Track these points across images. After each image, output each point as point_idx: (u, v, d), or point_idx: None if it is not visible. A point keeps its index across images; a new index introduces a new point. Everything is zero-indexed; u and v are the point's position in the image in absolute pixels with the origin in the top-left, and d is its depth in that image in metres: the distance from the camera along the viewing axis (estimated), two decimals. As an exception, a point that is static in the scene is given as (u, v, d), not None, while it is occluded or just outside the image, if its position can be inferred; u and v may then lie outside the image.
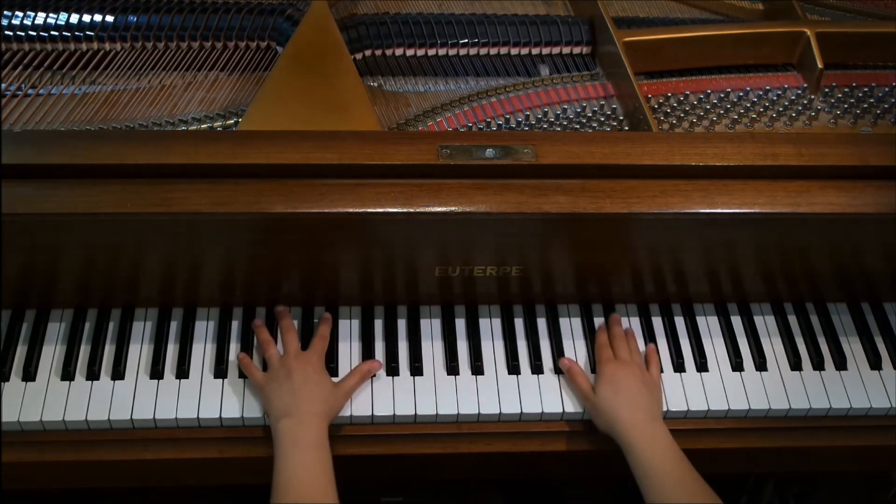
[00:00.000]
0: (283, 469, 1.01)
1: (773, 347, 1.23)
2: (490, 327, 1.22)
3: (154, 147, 1.05)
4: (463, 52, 1.36)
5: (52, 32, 1.29)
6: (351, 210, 1.04)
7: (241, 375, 1.15)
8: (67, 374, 1.13)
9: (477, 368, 1.18)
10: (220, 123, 1.23)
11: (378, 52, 1.34)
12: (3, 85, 1.24)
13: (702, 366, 1.20)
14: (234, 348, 1.17)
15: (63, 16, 1.30)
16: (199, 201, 1.02)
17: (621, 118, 1.30)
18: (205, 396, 1.13)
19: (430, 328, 1.21)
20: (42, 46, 1.29)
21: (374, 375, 1.16)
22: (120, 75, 1.28)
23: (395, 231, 1.09)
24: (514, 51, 1.37)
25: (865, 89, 1.37)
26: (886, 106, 1.34)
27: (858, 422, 1.19)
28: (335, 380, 1.13)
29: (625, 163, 1.09)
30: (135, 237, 1.07)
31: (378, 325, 1.21)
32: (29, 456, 1.09)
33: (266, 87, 1.22)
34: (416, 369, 1.17)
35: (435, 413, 1.13)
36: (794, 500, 1.70)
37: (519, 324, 1.22)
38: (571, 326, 1.23)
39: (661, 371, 1.20)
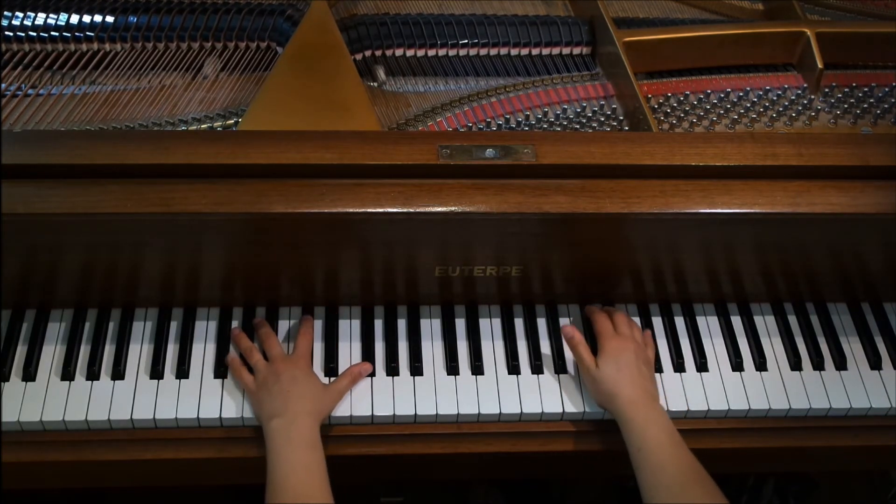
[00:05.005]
0: (277, 469, 1.01)
1: (773, 347, 1.23)
2: (490, 327, 1.22)
3: (154, 147, 1.05)
4: (463, 52, 1.36)
5: (52, 33, 1.29)
6: (351, 210, 1.04)
7: (241, 375, 1.15)
8: (67, 374, 1.13)
9: (477, 368, 1.18)
10: (220, 123, 1.23)
11: (378, 53, 1.34)
12: (3, 85, 1.24)
13: (702, 366, 1.20)
14: (234, 348, 1.17)
15: (63, 16, 1.30)
16: (199, 201, 1.02)
17: (621, 118, 1.30)
18: (205, 396, 1.13)
19: (430, 328, 1.21)
20: (42, 46, 1.29)
21: (374, 375, 1.16)
22: (120, 75, 1.28)
23: (395, 231, 1.09)
24: (514, 51, 1.37)
25: (865, 89, 1.37)
26: (886, 106, 1.34)
27: (858, 422, 1.19)
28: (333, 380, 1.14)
29: (624, 163, 1.09)
30: (135, 237, 1.07)
31: (378, 325, 1.21)
32: (29, 456, 1.09)
33: (266, 87, 1.22)
34: (416, 369, 1.17)
35: (435, 413, 1.13)
36: (794, 499, 1.71)
37: (519, 324, 1.22)
38: (571, 326, 1.23)
39: (658, 357, 1.21)
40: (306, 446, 1.03)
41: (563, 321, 1.23)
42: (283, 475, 1.00)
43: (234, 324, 1.20)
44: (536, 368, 1.18)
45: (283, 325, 1.20)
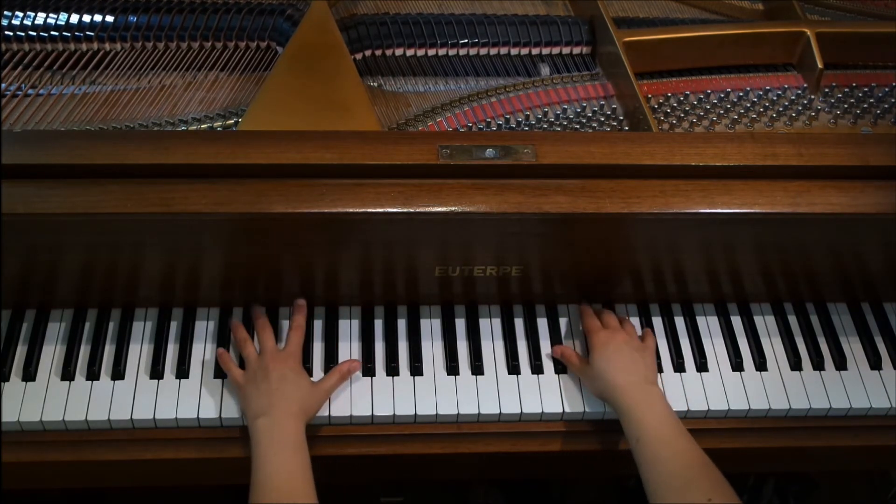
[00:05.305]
0: (261, 469, 1.01)
1: (773, 347, 1.23)
2: (490, 327, 1.22)
3: (154, 147, 1.05)
4: (463, 52, 1.36)
5: (52, 32, 1.29)
6: (351, 210, 1.04)
7: (241, 375, 1.15)
8: (67, 374, 1.13)
9: (477, 368, 1.18)
10: (220, 123, 1.23)
11: (378, 53, 1.34)
12: (3, 85, 1.24)
13: (702, 366, 1.20)
14: (234, 348, 1.17)
15: (63, 16, 1.30)
16: (199, 201, 1.02)
17: (621, 118, 1.30)
18: (205, 396, 1.13)
19: (430, 328, 1.21)
20: (42, 46, 1.29)
21: (374, 375, 1.16)
22: (120, 75, 1.28)
23: (395, 231, 1.09)
24: (514, 51, 1.37)
25: (865, 89, 1.37)
26: (886, 106, 1.34)
27: (858, 422, 1.19)
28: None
29: (624, 163, 1.09)
30: (135, 237, 1.07)
31: (378, 325, 1.21)
32: (29, 456, 1.09)
33: (266, 87, 1.22)
34: (416, 369, 1.17)
35: (435, 413, 1.13)
36: (794, 499, 1.71)
37: (519, 324, 1.22)
38: (571, 326, 1.23)
39: (658, 357, 1.20)
40: (291, 448, 1.03)
41: (563, 321, 1.23)
42: (266, 475, 1.00)
43: (234, 324, 1.20)
44: (536, 368, 1.18)
45: (284, 326, 1.20)
